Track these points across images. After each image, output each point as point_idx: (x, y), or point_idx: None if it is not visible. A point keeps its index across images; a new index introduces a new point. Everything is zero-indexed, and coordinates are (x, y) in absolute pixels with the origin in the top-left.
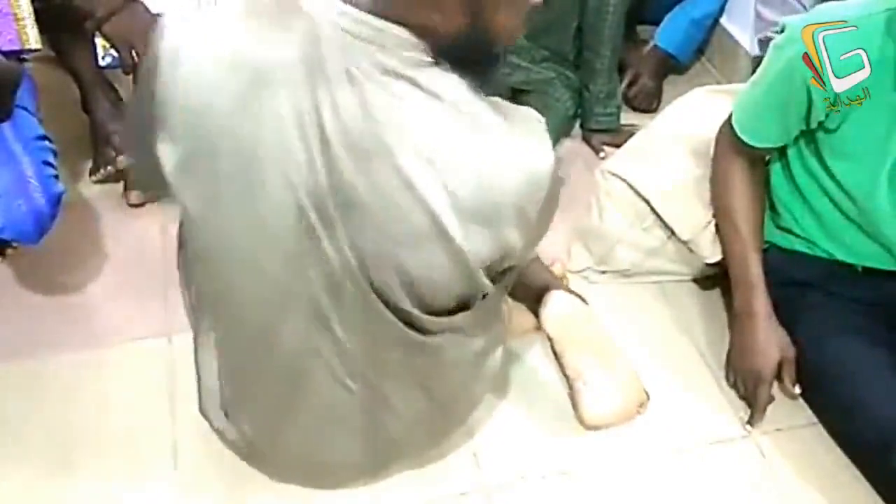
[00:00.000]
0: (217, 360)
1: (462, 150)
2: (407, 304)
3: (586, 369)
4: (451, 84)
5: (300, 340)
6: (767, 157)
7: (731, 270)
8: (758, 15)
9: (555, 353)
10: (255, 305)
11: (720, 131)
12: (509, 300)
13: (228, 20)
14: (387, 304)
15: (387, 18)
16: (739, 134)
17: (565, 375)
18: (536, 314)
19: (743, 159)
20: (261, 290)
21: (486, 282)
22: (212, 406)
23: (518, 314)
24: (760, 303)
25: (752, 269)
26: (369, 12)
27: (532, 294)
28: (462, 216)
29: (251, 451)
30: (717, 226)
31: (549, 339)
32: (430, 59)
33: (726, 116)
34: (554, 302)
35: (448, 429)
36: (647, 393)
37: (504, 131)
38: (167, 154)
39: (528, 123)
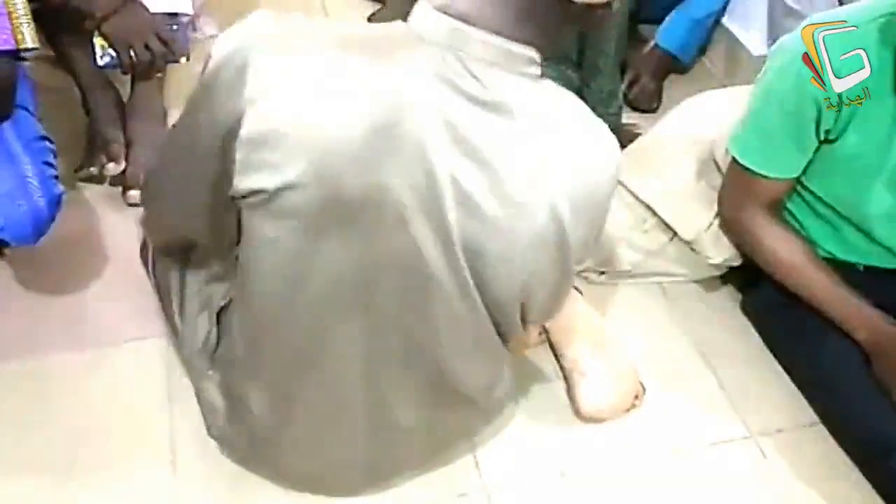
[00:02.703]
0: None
1: (574, 150)
2: (516, 310)
3: (582, 360)
4: (561, 93)
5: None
6: (784, 197)
7: (831, 315)
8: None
9: (551, 345)
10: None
11: (726, 187)
12: None
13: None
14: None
15: (509, 38)
16: (751, 166)
17: (561, 367)
18: None
19: (764, 209)
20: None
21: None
22: (212, 411)
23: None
24: (877, 324)
25: (849, 301)
26: (491, 32)
27: None
28: (574, 210)
29: (255, 456)
30: (764, 274)
31: (545, 331)
32: (540, 73)
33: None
34: None
35: (449, 446)
36: (643, 385)
37: (600, 131)
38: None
39: (602, 124)
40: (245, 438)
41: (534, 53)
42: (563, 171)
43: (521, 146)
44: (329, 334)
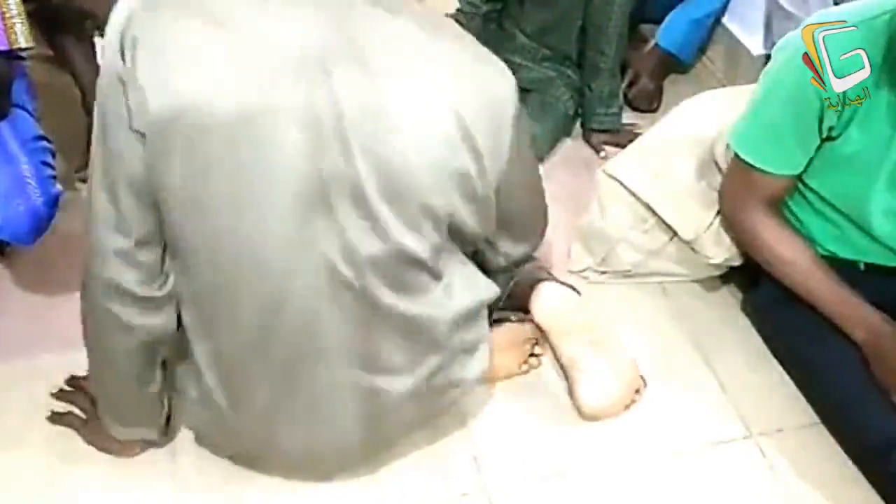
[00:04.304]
0: (208, 362)
1: (464, 63)
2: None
3: (581, 357)
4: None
5: (308, 311)
6: (785, 195)
7: (830, 314)
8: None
9: (550, 345)
10: (259, 280)
11: (726, 183)
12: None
13: None
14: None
15: None
16: (752, 161)
17: (561, 365)
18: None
19: (764, 205)
20: (266, 261)
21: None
22: (200, 415)
23: (500, 356)
24: (875, 324)
25: (848, 300)
26: None
27: (526, 291)
28: (475, 114)
29: (249, 449)
30: (763, 270)
31: (543, 331)
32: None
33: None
34: (544, 293)
35: (439, 405)
36: (643, 379)
37: (490, 55)
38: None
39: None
40: (236, 429)
41: None
42: (463, 81)
43: (420, 59)
44: (323, 320)
